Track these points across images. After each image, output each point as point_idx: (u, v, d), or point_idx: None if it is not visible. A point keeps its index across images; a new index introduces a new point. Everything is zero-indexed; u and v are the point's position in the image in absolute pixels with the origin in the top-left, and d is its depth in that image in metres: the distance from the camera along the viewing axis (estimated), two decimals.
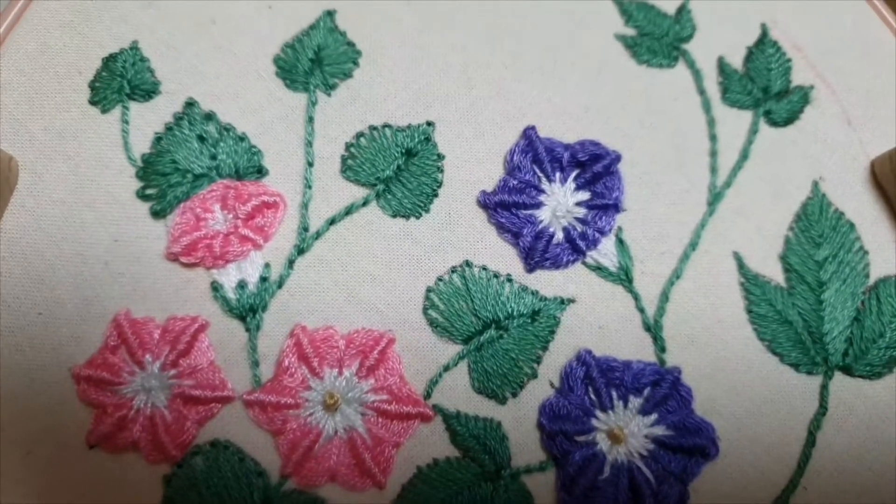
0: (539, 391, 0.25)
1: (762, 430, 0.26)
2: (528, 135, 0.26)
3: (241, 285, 0.25)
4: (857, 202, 0.28)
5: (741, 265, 0.26)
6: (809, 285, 0.27)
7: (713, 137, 0.27)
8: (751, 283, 0.26)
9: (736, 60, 0.28)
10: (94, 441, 0.24)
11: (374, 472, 0.24)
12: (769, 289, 0.26)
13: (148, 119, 0.26)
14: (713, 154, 0.27)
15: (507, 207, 0.26)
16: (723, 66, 0.28)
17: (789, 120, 0.28)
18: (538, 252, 0.25)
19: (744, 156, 0.27)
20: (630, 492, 0.24)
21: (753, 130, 0.28)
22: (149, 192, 0.25)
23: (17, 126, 0.25)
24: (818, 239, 0.27)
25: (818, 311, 0.26)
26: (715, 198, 0.27)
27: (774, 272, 0.27)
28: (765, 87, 0.28)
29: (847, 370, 0.26)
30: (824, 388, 0.26)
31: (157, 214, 0.25)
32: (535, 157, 0.26)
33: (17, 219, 0.25)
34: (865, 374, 0.26)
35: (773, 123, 0.28)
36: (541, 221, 0.26)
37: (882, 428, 0.26)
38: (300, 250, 0.25)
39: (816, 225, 0.27)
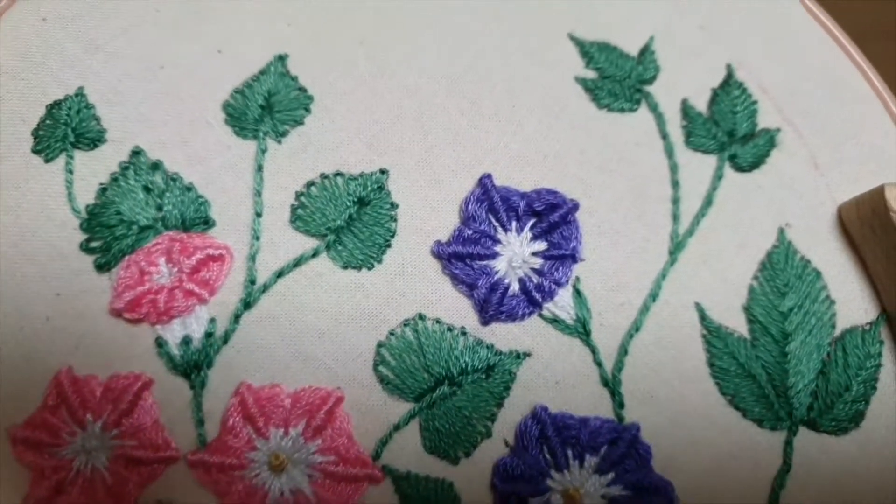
0: (493, 450, 0.25)
1: (723, 489, 0.25)
2: (484, 183, 0.26)
3: (186, 341, 0.24)
4: (824, 249, 0.27)
5: (703, 316, 0.26)
6: (774, 337, 0.26)
7: (675, 184, 0.27)
8: (713, 336, 0.26)
9: (700, 103, 0.28)
10: None
11: None
12: (732, 341, 0.26)
13: (93, 168, 0.25)
14: (675, 201, 0.27)
15: (461, 258, 0.25)
16: (686, 109, 0.28)
17: (755, 164, 0.28)
18: (493, 304, 0.25)
19: (707, 202, 0.27)
20: None
21: (718, 176, 0.27)
22: (93, 244, 0.25)
23: None
24: (783, 288, 0.26)
25: (782, 364, 0.26)
26: (676, 247, 0.26)
27: (738, 323, 0.26)
28: (730, 131, 0.28)
29: (812, 425, 0.26)
30: (788, 444, 0.26)
31: (101, 268, 0.25)
32: (491, 206, 0.26)
33: None
34: (831, 429, 0.26)
35: (739, 168, 0.27)
36: (496, 272, 0.25)
37: (847, 484, 0.26)
38: (246, 304, 0.25)
39: (782, 274, 0.27)
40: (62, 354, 0.24)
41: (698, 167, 0.27)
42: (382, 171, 0.26)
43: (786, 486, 0.25)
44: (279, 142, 0.26)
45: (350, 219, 0.26)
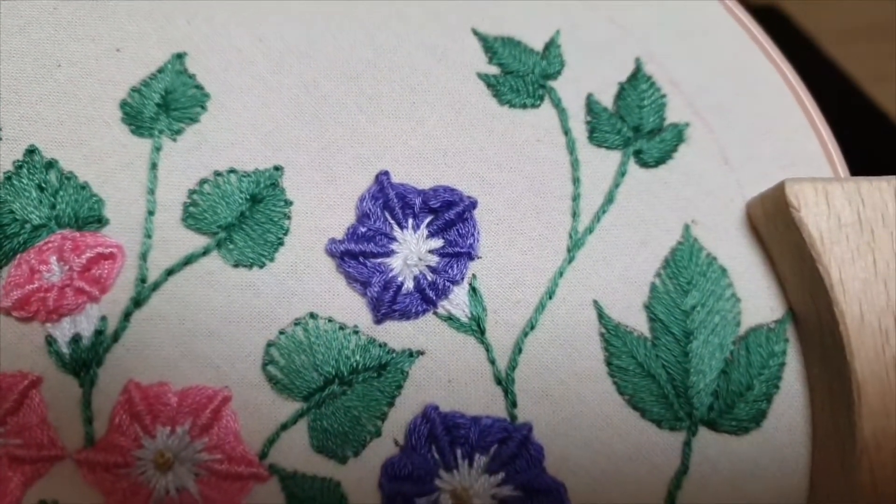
0: (383, 450, 0.25)
1: (618, 491, 0.26)
2: (381, 180, 0.26)
3: (76, 339, 0.25)
4: (731, 246, 0.28)
5: (601, 315, 0.26)
6: (675, 336, 0.26)
7: (577, 180, 0.27)
8: (611, 334, 0.26)
9: (607, 98, 0.28)
10: None
11: None
12: (631, 339, 0.26)
13: None
14: (576, 198, 0.27)
15: (354, 256, 0.26)
16: (591, 105, 0.28)
17: (661, 160, 0.28)
18: (386, 303, 0.26)
19: (609, 199, 0.27)
20: None
21: (621, 172, 0.28)
22: None
23: None
24: (686, 286, 0.27)
25: (683, 364, 0.26)
26: (575, 244, 0.27)
27: (638, 322, 0.27)
28: (636, 126, 0.28)
29: (712, 425, 0.26)
30: (687, 444, 0.26)
31: None
32: (387, 203, 0.26)
33: None
34: (731, 429, 0.26)
35: (644, 164, 0.28)
36: (391, 270, 0.26)
37: (747, 486, 0.26)
38: (137, 303, 0.25)
39: (685, 271, 0.27)
40: None
41: (601, 163, 0.28)
42: (277, 168, 0.27)
43: (682, 488, 0.26)
44: (174, 140, 0.27)
45: (242, 216, 0.26)
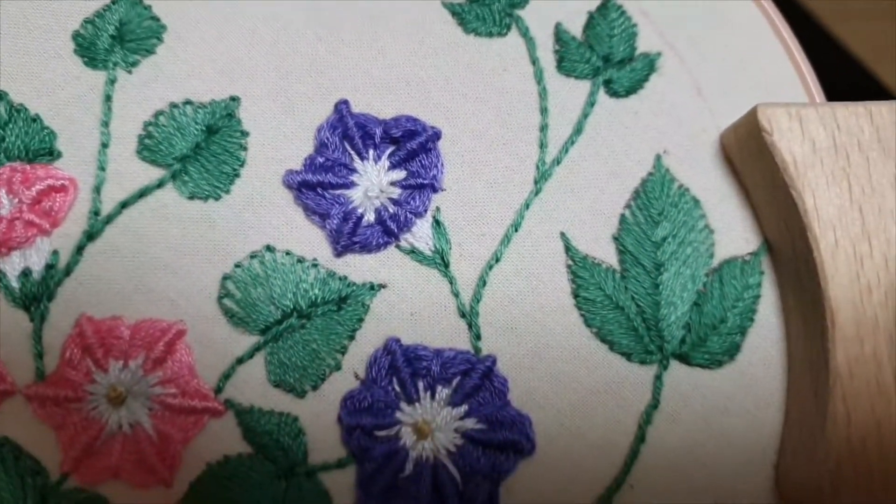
0: (343, 384, 0.25)
1: (586, 425, 0.25)
2: (339, 109, 0.26)
3: (26, 273, 0.25)
4: (704, 178, 0.27)
5: (569, 247, 0.26)
6: (645, 268, 0.26)
7: (544, 110, 0.27)
8: (578, 266, 0.26)
9: (576, 27, 0.28)
10: None
11: (160, 469, 0.24)
12: (599, 272, 0.26)
13: None
14: (543, 129, 0.27)
15: (312, 187, 0.25)
16: (560, 34, 0.28)
17: (631, 90, 0.27)
18: (345, 235, 0.25)
19: (577, 130, 0.27)
20: (434, 491, 0.24)
21: (590, 102, 0.27)
22: None
23: None
24: (657, 217, 0.26)
25: (654, 296, 0.26)
26: (542, 176, 0.26)
27: (607, 254, 0.26)
28: (606, 55, 0.28)
29: (684, 359, 0.26)
30: (658, 378, 0.26)
31: None
32: (346, 133, 0.26)
33: None
34: (704, 362, 0.26)
35: (614, 94, 0.27)
36: (351, 202, 0.26)
37: (719, 421, 0.26)
38: (90, 236, 0.25)
39: (656, 202, 0.26)
40: None
41: (570, 93, 0.27)
42: (233, 99, 0.26)
43: (653, 423, 0.25)
44: (130, 72, 0.27)
45: (198, 148, 0.26)
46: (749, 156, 0.26)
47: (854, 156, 0.26)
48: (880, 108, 0.26)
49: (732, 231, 0.27)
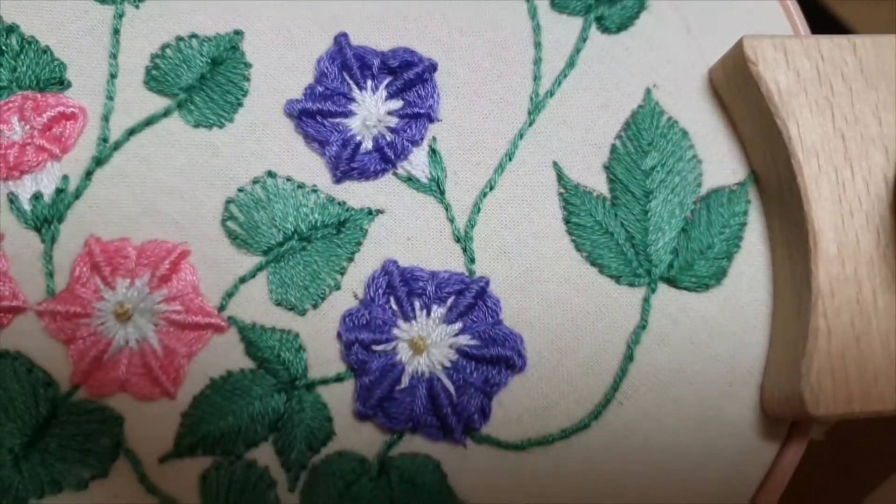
0: (341, 303, 0.26)
1: (577, 344, 0.26)
2: (339, 41, 0.27)
3: (37, 197, 0.26)
4: (693, 111, 0.28)
5: (561, 175, 0.27)
6: (634, 195, 0.27)
7: (538, 45, 0.28)
8: (570, 194, 0.27)
9: None
10: None
11: (164, 382, 0.25)
12: (590, 199, 0.27)
13: None
14: (537, 62, 0.28)
15: (312, 115, 0.26)
16: None
17: (622, 26, 0.28)
18: (344, 161, 0.26)
19: (570, 63, 0.28)
20: (429, 402, 0.25)
21: (583, 38, 0.28)
22: None
23: None
24: (647, 147, 0.27)
25: (643, 222, 0.27)
26: (536, 107, 0.27)
27: (598, 182, 0.27)
28: None
29: (672, 282, 0.27)
30: (646, 300, 0.27)
31: None
32: (344, 63, 0.27)
33: None
34: (691, 285, 0.27)
35: (605, 30, 0.28)
36: (350, 130, 0.27)
37: (706, 342, 0.27)
38: (98, 162, 0.26)
39: (646, 133, 0.28)
40: None
41: (563, 29, 0.28)
42: (237, 32, 0.27)
43: (641, 343, 0.26)
44: (137, 7, 0.28)
45: (203, 78, 0.27)
46: (736, 88, 0.27)
47: (837, 86, 0.26)
48: (864, 41, 0.27)
49: (720, 162, 0.28)
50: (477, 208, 0.27)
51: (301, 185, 0.27)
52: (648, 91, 0.28)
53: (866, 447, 0.43)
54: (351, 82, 0.27)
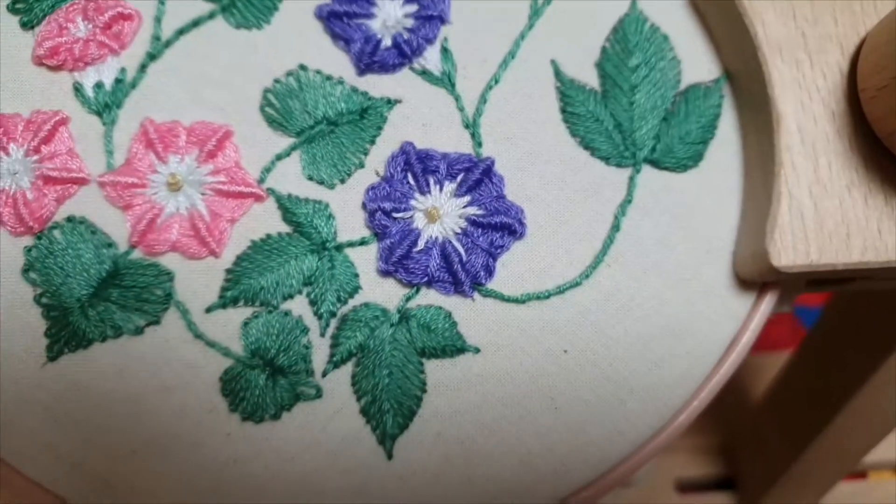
0: (365, 179, 0.30)
1: (571, 216, 0.30)
2: None
3: (99, 85, 0.30)
4: (672, 18, 0.32)
5: (557, 72, 0.31)
6: (622, 88, 0.31)
7: None
8: (566, 87, 0.31)
9: None
10: None
11: (210, 243, 0.29)
12: (584, 92, 0.31)
13: None
14: None
15: (339, 17, 0.30)
16: None
17: None
18: (367, 55, 0.30)
19: None
20: (442, 261, 0.29)
21: None
22: (18, 6, 0.30)
23: None
24: (632, 48, 0.31)
25: (629, 112, 0.31)
26: (535, 13, 0.31)
27: (590, 79, 0.31)
28: None
29: (654, 163, 0.30)
30: (631, 179, 0.30)
31: (25, 25, 0.30)
32: None
33: None
34: (671, 166, 0.30)
35: None
36: (371, 30, 0.30)
37: (684, 215, 0.30)
38: (152, 56, 0.30)
39: (632, 37, 0.31)
40: None
41: None
42: None
43: (627, 215, 0.30)
44: None
45: None
46: None
47: None
48: None
49: (697, 62, 0.32)
50: (483, 99, 0.31)
51: (329, 77, 0.30)
52: (634, 1, 0.32)
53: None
54: None
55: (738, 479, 0.61)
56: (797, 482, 0.54)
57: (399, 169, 0.30)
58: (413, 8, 0.31)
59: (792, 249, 0.28)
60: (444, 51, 0.31)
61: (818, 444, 0.50)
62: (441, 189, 0.30)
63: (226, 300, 0.29)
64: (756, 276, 0.30)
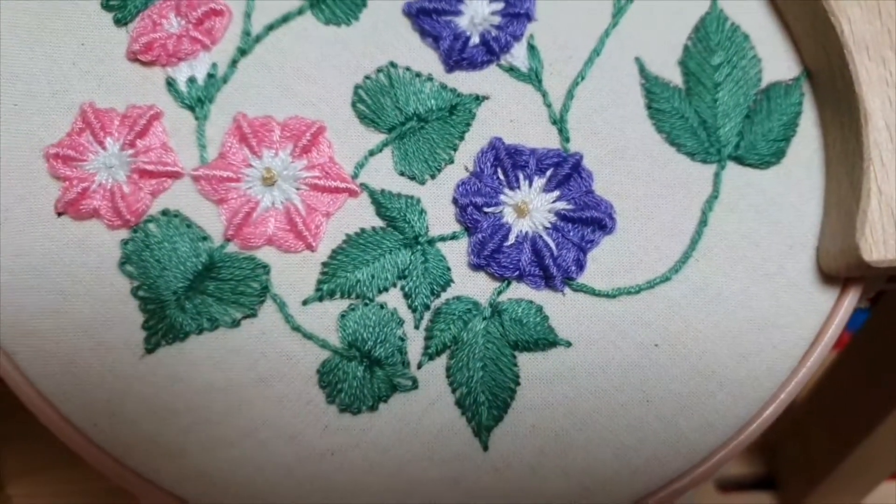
0: (455, 174, 0.30)
1: (659, 211, 0.30)
2: None
3: (192, 80, 0.30)
4: (753, 17, 0.33)
5: (642, 68, 0.31)
6: (705, 86, 0.31)
7: None
8: (651, 84, 0.31)
9: None
10: (62, 208, 0.29)
11: (306, 236, 0.29)
12: (668, 89, 0.31)
13: None
14: None
15: (428, 14, 0.31)
16: None
17: None
18: (456, 52, 0.30)
19: None
20: (533, 255, 0.29)
21: None
22: (112, 3, 0.31)
23: None
24: (714, 47, 0.32)
25: (713, 109, 0.31)
26: (619, 11, 0.32)
27: (674, 76, 0.31)
28: None
29: (739, 160, 0.31)
30: (717, 175, 0.31)
31: (119, 22, 0.30)
32: None
33: None
34: (755, 162, 0.31)
35: None
36: (460, 27, 0.31)
37: (768, 211, 0.31)
38: (242, 52, 0.30)
39: (713, 35, 0.32)
40: (86, 92, 0.30)
41: None
42: None
43: (714, 210, 0.31)
44: None
45: None
46: None
47: None
48: None
49: (777, 60, 0.32)
50: (570, 95, 0.31)
51: (419, 74, 0.31)
52: (714, 1, 0.32)
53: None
54: None
55: (778, 479, 0.61)
56: (841, 482, 0.55)
57: (489, 164, 0.30)
58: (500, 5, 0.31)
59: (882, 244, 0.28)
60: (531, 48, 0.31)
61: (864, 446, 0.50)
62: (531, 184, 0.30)
63: (322, 293, 0.29)
64: (843, 271, 0.30)
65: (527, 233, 0.30)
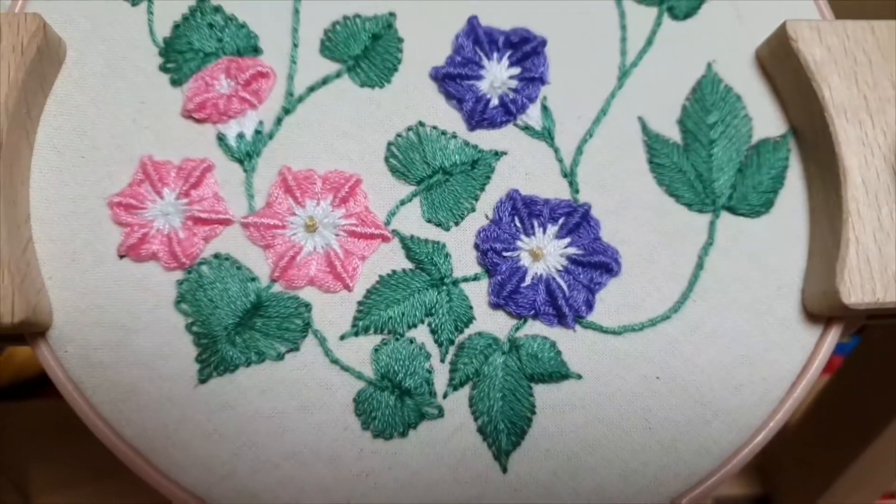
0: (476, 222, 0.34)
1: (659, 256, 0.34)
2: (472, 22, 0.35)
3: (240, 136, 0.34)
4: (744, 80, 0.36)
5: (644, 127, 0.35)
6: (701, 142, 0.35)
7: (623, 27, 0.36)
8: (652, 141, 0.35)
9: None
10: (124, 252, 0.32)
11: (344, 277, 0.32)
12: (668, 145, 0.35)
13: (168, 10, 0.35)
14: (623, 40, 0.36)
15: (452, 78, 0.34)
16: None
17: (688, 14, 0.37)
18: (478, 113, 0.34)
19: (648, 42, 0.36)
20: (547, 296, 0.32)
21: (657, 23, 0.36)
22: (169, 66, 0.34)
23: (64, 15, 0.34)
24: (710, 107, 0.35)
25: (708, 163, 0.35)
26: (624, 74, 0.35)
27: (673, 134, 0.35)
28: None
29: (731, 210, 0.34)
30: (712, 224, 0.34)
31: (175, 83, 0.34)
32: (476, 39, 0.35)
33: (65, 86, 0.34)
34: (746, 212, 0.34)
35: (674, 17, 0.36)
36: (481, 90, 0.34)
37: (760, 257, 0.34)
38: (286, 111, 0.34)
39: (709, 96, 0.35)
40: (145, 146, 0.34)
41: (642, 16, 0.37)
42: (391, 14, 0.35)
43: (709, 255, 0.34)
44: None
45: (366, 49, 0.35)
46: (779, 60, 0.35)
47: (860, 58, 0.35)
48: (880, 24, 0.35)
49: (766, 119, 0.36)
50: (580, 151, 0.35)
51: (444, 132, 0.34)
52: (709, 65, 0.36)
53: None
54: (481, 54, 0.35)
55: (774, 499, 0.64)
56: (835, 502, 0.58)
57: (507, 213, 0.34)
58: (517, 71, 0.35)
59: (860, 289, 0.32)
60: (544, 108, 0.35)
61: (857, 466, 0.53)
62: (545, 231, 0.34)
63: (358, 329, 0.32)
64: (825, 311, 0.33)
65: (541, 275, 0.33)
